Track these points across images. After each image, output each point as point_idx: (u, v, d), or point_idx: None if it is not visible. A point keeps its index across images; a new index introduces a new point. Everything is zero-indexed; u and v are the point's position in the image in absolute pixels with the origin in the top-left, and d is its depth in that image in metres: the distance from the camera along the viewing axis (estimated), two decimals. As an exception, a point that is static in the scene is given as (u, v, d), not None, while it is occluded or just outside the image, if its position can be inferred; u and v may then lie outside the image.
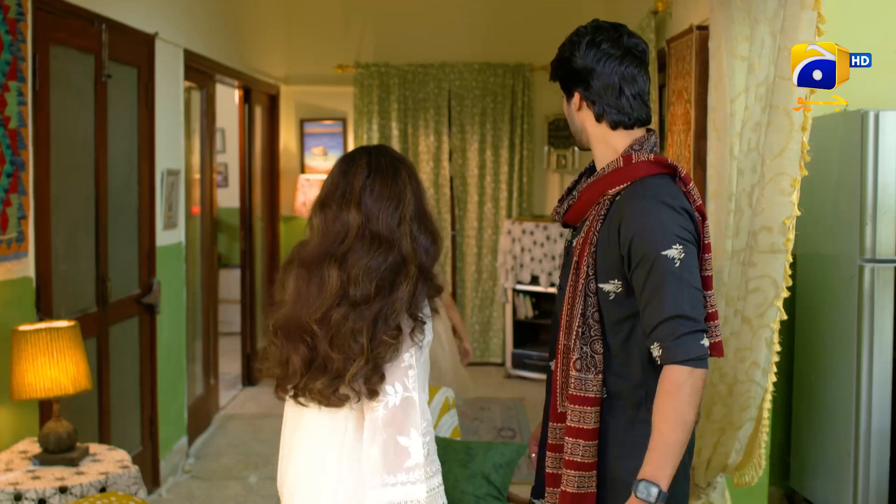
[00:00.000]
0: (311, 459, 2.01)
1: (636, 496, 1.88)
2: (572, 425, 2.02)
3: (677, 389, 1.88)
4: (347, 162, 2.04)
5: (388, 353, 1.90)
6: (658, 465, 1.88)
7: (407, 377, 1.92)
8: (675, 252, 1.91)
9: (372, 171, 1.99)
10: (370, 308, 1.90)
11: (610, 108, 2.07)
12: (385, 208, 1.96)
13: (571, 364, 2.03)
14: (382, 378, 1.91)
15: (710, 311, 2.03)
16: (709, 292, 2.03)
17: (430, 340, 1.99)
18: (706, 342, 1.93)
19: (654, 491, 1.86)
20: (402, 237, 1.96)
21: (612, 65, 2.05)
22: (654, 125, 4.87)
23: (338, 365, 1.91)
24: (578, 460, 2.02)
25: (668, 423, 1.88)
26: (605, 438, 2.03)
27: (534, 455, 2.44)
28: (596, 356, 2.02)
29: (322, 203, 2.01)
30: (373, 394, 1.91)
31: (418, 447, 1.88)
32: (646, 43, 2.14)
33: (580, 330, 2.03)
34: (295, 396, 2.00)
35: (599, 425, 2.02)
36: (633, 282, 1.97)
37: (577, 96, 2.11)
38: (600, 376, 2.02)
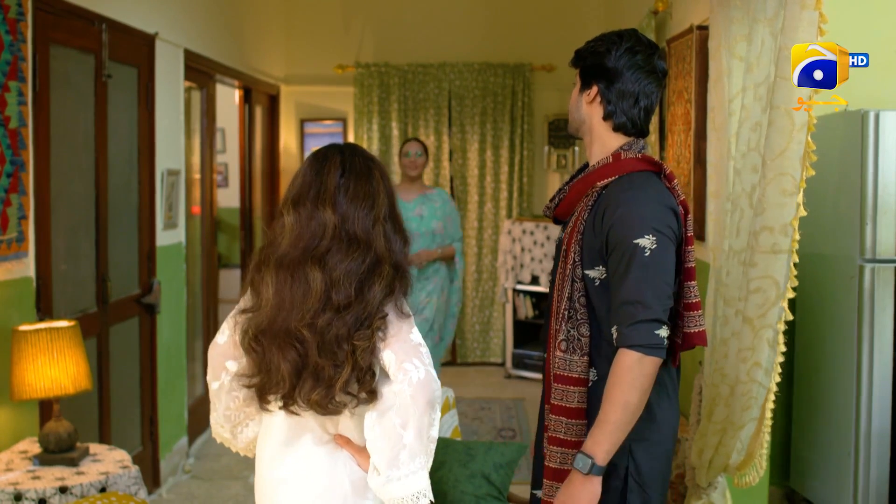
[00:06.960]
0: (311, 466, 1.97)
1: (573, 467, 2.00)
2: (556, 403, 2.12)
3: (625, 373, 1.98)
4: (320, 160, 1.97)
5: (367, 356, 1.86)
6: (596, 441, 1.99)
7: (421, 355, 1.86)
8: (647, 242, 2.00)
9: (346, 171, 1.94)
10: (350, 312, 1.86)
11: (621, 113, 2.19)
12: (360, 209, 1.92)
13: (556, 345, 2.12)
14: (374, 377, 1.88)
15: (693, 300, 2.13)
16: (691, 283, 2.13)
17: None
18: (662, 332, 1.99)
19: (588, 463, 1.98)
20: (376, 238, 1.91)
21: (639, 76, 2.18)
22: (654, 125, 4.87)
23: (329, 372, 1.86)
24: (561, 437, 2.12)
25: (611, 403, 1.99)
26: (592, 420, 2.09)
27: None
28: (582, 339, 2.11)
29: (295, 201, 1.94)
30: (372, 395, 1.87)
31: (437, 424, 1.86)
32: (667, 69, 2.27)
33: (566, 313, 2.12)
34: (285, 406, 1.93)
35: (586, 406, 2.11)
36: (609, 268, 2.07)
37: (595, 89, 2.21)
38: (586, 358, 2.10)
